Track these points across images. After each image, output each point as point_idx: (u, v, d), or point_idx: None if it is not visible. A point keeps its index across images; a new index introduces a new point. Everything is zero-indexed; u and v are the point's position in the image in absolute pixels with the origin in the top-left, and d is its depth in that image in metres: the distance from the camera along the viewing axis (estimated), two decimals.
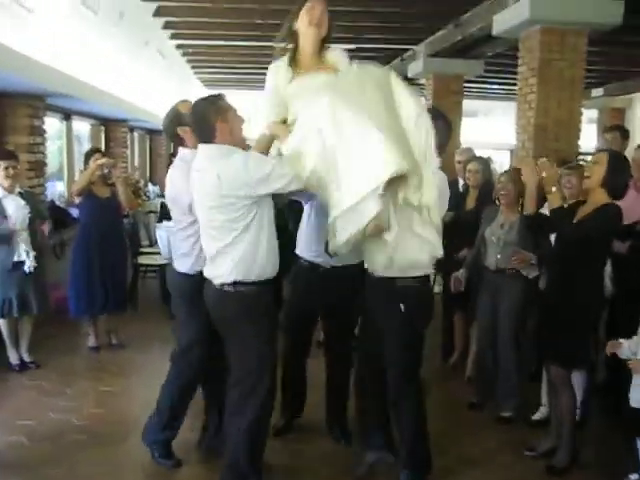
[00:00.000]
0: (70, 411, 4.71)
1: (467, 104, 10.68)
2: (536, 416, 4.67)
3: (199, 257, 3.63)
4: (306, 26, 3.59)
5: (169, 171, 3.82)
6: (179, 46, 11.83)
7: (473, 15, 8.39)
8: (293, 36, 3.67)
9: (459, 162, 6.24)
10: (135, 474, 3.88)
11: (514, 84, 13.19)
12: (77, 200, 6.01)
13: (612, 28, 6.73)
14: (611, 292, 4.58)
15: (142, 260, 8.06)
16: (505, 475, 3.98)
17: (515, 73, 10.57)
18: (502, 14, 7.15)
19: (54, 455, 4.04)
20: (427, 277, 3.64)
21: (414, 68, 10.95)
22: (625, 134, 5.79)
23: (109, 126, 11.18)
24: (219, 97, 3.32)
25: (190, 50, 12.34)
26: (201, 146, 3.31)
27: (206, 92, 13.07)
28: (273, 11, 8.83)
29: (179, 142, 3.77)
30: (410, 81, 12.05)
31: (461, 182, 6.14)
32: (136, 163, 14.15)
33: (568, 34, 6.71)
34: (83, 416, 4.64)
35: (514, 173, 4.68)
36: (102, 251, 5.98)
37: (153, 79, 11.92)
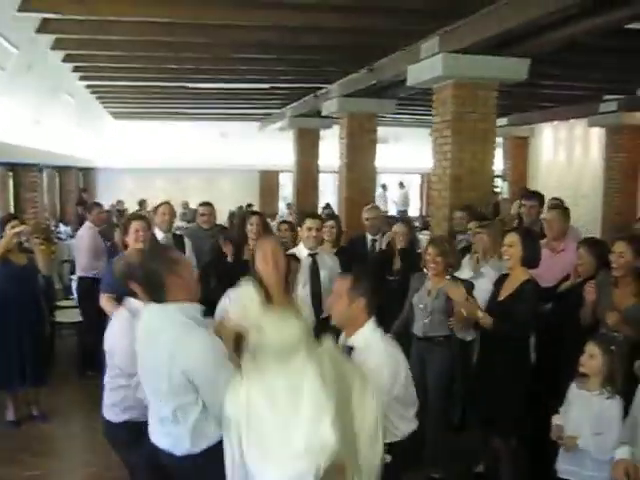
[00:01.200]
0: None
1: (378, 130, 10.93)
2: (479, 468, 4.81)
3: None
4: (262, 266, 3.14)
5: (112, 323, 3.59)
6: (89, 86, 11.54)
7: (386, 62, 8.58)
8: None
9: (367, 219, 6.54)
10: None
11: (423, 113, 13.72)
12: None
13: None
14: (535, 356, 4.77)
15: (59, 316, 7.80)
16: None
17: (425, 105, 10.96)
18: (416, 67, 7.34)
19: None
20: None
21: (328, 106, 11.08)
22: (542, 201, 6.10)
23: (18, 171, 10.78)
24: (167, 249, 3.19)
25: (100, 89, 12.06)
26: (152, 306, 2.96)
27: (117, 124, 12.94)
28: (185, 58, 8.84)
29: (131, 293, 3.55)
30: (324, 118, 12.27)
31: (369, 237, 6.56)
32: (45, 201, 13.70)
33: (479, 89, 6.96)
34: None
35: (442, 243, 4.84)
36: (19, 321, 5.77)
37: (63, 120, 11.62)
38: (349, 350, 3.26)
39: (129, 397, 3.45)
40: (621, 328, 4.03)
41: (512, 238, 4.37)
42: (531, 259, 4.35)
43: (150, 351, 2.93)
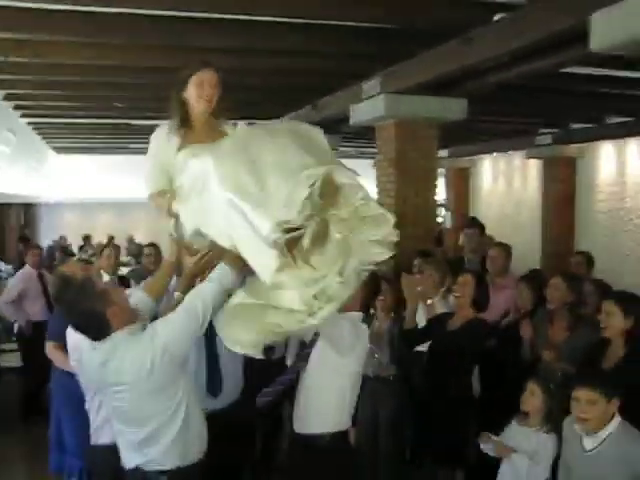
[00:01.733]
0: None
1: None
2: None
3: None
4: (195, 99, 3.28)
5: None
6: (30, 123, 11.42)
7: (330, 100, 8.75)
8: (181, 105, 3.32)
9: None
10: None
11: (365, 145, 13.95)
12: None
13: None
14: (479, 392, 4.89)
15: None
16: None
17: (367, 138, 11.15)
18: (358, 106, 7.52)
19: None
20: None
21: None
22: (483, 229, 6.27)
23: None
24: (92, 283, 3.07)
25: (42, 125, 11.94)
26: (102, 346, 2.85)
27: (60, 158, 12.73)
28: (127, 98, 8.85)
29: None
30: None
31: None
32: None
33: (420, 128, 7.16)
34: None
35: (393, 281, 4.94)
36: None
37: (4, 158, 11.42)
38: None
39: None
40: (556, 364, 4.17)
41: (466, 278, 4.45)
42: (481, 303, 4.43)
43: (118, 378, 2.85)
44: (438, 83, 6.42)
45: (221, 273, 2.94)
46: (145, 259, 7.20)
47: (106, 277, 6.21)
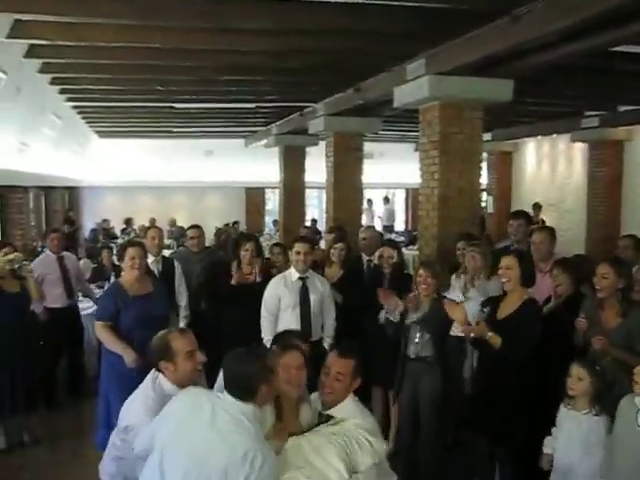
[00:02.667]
0: None
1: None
2: None
3: None
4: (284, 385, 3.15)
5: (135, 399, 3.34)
6: (75, 107, 11.56)
7: (373, 82, 8.67)
8: None
9: (363, 239, 6.58)
10: None
11: (407, 130, 13.84)
12: None
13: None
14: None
15: None
16: None
17: (409, 122, 11.05)
18: (402, 88, 7.42)
19: None
20: None
21: (315, 125, 11.14)
22: (529, 220, 6.17)
23: (4, 193, 10.75)
24: (263, 353, 3.07)
25: (86, 109, 12.08)
26: (231, 401, 2.81)
27: (102, 142, 12.97)
28: (171, 81, 8.90)
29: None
30: (311, 136, 12.36)
31: (365, 257, 6.57)
32: (32, 223, 13.64)
33: (465, 109, 7.05)
34: None
35: (434, 265, 4.94)
36: (10, 348, 5.75)
37: (50, 140, 11.62)
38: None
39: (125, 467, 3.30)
40: (609, 351, 4.10)
41: (510, 261, 4.47)
42: (528, 278, 4.48)
43: (212, 444, 2.73)
44: (484, 63, 6.29)
45: None
46: (188, 241, 7.25)
47: (151, 258, 6.27)
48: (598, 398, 3.73)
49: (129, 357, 4.70)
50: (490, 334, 4.30)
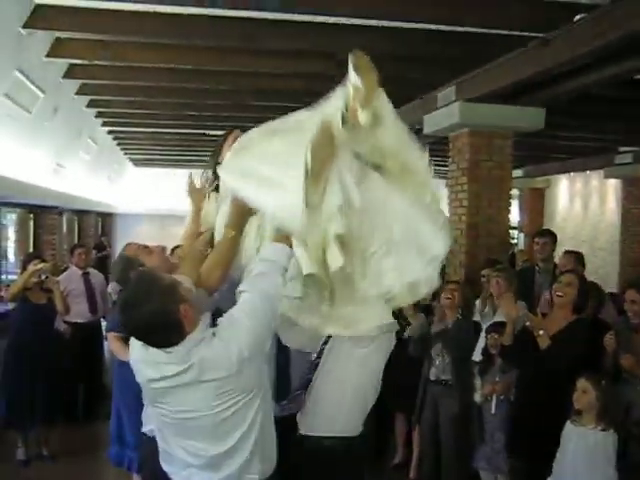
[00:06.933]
0: None
1: None
2: None
3: None
4: None
5: None
6: (110, 132, 11.81)
7: (403, 111, 8.69)
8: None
9: None
10: None
11: (437, 164, 13.80)
12: (11, 305, 5.82)
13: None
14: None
15: None
16: None
17: (440, 155, 11.03)
18: (432, 115, 7.45)
19: None
20: None
21: None
22: (554, 239, 6.08)
23: (38, 213, 10.95)
24: (158, 277, 2.35)
25: (121, 135, 12.32)
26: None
27: (136, 171, 13.08)
28: (205, 105, 9.03)
29: None
30: None
31: None
32: (65, 246, 13.85)
33: (495, 137, 7.04)
34: None
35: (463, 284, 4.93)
36: (35, 359, 5.76)
37: (85, 164, 11.85)
38: None
39: None
40: (637, 370, 4.00)
41: (572, 279, 4.29)
42: (582, 304, 4.26)
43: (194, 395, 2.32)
44: (514, 90, 6.30)
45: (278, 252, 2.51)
46: None
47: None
48: (604, 413, 3.63)
49: None
50: (541, 332, 4.16)
